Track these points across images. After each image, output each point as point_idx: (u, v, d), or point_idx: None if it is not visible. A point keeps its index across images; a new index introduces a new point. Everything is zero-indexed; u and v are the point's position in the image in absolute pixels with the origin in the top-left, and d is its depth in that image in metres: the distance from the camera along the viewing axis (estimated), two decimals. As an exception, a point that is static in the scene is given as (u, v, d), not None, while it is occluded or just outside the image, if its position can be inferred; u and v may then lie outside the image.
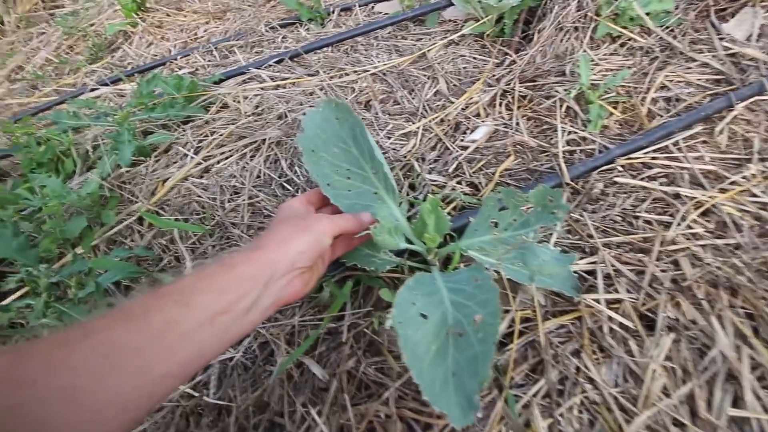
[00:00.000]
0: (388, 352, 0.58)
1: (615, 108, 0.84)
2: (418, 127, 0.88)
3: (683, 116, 0.78)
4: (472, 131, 0.85)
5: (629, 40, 0.96)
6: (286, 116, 0.95)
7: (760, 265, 0.59)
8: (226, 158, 0.91)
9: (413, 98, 0.96)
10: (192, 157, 0.92)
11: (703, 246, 0.63)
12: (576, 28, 0.98)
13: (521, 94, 0.91)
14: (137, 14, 1.63)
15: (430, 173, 0.78)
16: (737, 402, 0.50)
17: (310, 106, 0.95)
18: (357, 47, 1.18)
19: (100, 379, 0.31)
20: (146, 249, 0.78)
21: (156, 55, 1.45)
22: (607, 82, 0.84)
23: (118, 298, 0.73)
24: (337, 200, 0.61)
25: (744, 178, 0.70)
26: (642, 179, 0.72)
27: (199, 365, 0.38)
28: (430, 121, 0.89)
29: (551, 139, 0.81)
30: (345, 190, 0.63)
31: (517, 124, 0.86)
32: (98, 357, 0.31)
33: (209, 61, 1.30)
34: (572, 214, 0.69)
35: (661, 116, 0.81)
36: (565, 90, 0.87)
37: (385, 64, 1.06)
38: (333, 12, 1.35)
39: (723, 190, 0.69)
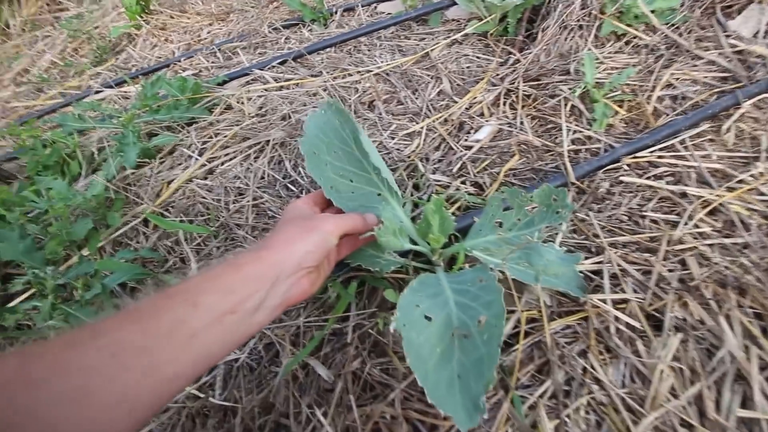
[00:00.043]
0: (393, 353, 0.57)
1: (620, 106, 0.84)
2: (421, 127, 0.88)
3: (689, 114, 0.77)
4: (476, 131, 0.85)
5: (634, 38, 0.95)
6: (290, 117, 0.95)
7: (768, 264, 0.59)
8: (231, 159, 0.91)
9: (417, 98, 0.96)
10: (196, 159, 0.93)
11: (710, 245, 0.62)
12: (580, 27, 0.98)
13: (525, 93, 0.90)
14: (141, 17, 1.64)
15: (434, 173, 0.78)
16: (746, 403, 0.49)
17: (314, 107, 0.95)
18: (360, 47, 1.18)
19: (110, 380, 0.31)
20: (151, 250, 0.78)
21: (160, 57, 1.46)
22: (612, 80, 0.83)
23: (124, 300, 0.73)
24: (341, 203, 0.61)
25: (751, 176, 0.69)
26: (648, 178, 0.72)
27: (207, 365, 0.38)
28: (433, 121, 0.88)
29: (556, 138, 0.81)
30: (349, 193, 0.63)
31: (522, 123, 0.85)
32: (107, 357, 0.31)
33: (213, 62, 1.30)
34: (578, 214, 0.69)
35: (667, 114, 0.80)
36: (570, 89, 0.87)
37: (388, 64, 1.06)
38: (336, 12, 1.36)
39: (730, 189, 0.68)
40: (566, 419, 0.50)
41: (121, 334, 0.33)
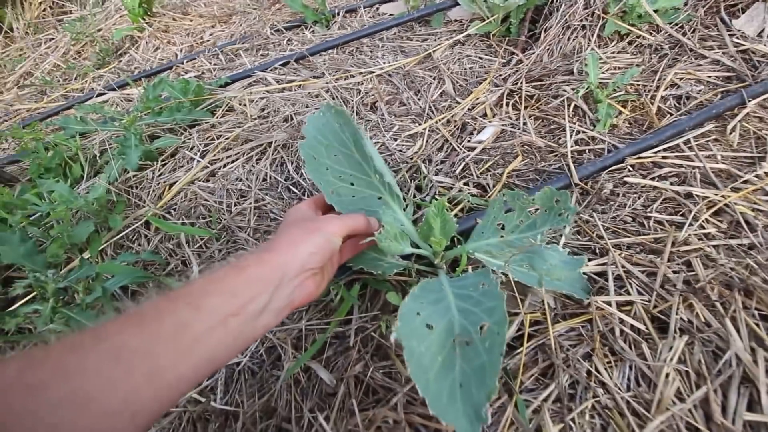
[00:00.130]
0: (395, 357, 0.57)
1: (624, 107, 0.83)
2: (424, 128, 0.87)
3: (694, 114, 0.77)
4: (479, 132, 0.85)
5: (638, 37, 0.95)
6: (292, 119, 0.95)
7: (775, 265, 0.58)
8: (233, 162, 0.91)
9: (419, 99, 0.96)
10: (198, 161, 0.93)
11: (715, 246, 0.62)
12: (583, 27, 0.97)
13: (528, 93, 0.90)
14: (144, 19, 1.64)
15: (436, 174, 0.77)
16: (752, 406, 0.49)
17: (316, 109, 0.95)
18: (362, 49, 1.18)
19: (112, 384, 0.30)
20: (153, 253, 0.78)
21: (162, 60, 1.46)
22: (615, 80, 0.83)
23: (125, 303, 0.73)
24: (342, 207, 0.60)
25: (757, 176, 0.69)
26: (653, 179, 0.71)
27: (210, 369, 0.37)
28: (436, 122, 0.88)
29: (559, 138, 0.80)
30: (349, 197, 0.62)
31: (525, 124, 0.85)
32: (110, 361, 0.31)
33: (215, 64, 1.30)
34: (582, 215, 0.68)
35: (672, 114, 0.80)
36: (573, 89, 0.86)
37: (390, 66, 1.05)
38: (338, 14, 1.36)
39: (735, 189, 0.68)
40: (571, 423, 0.49)
41: (122, 337, 0.33)
